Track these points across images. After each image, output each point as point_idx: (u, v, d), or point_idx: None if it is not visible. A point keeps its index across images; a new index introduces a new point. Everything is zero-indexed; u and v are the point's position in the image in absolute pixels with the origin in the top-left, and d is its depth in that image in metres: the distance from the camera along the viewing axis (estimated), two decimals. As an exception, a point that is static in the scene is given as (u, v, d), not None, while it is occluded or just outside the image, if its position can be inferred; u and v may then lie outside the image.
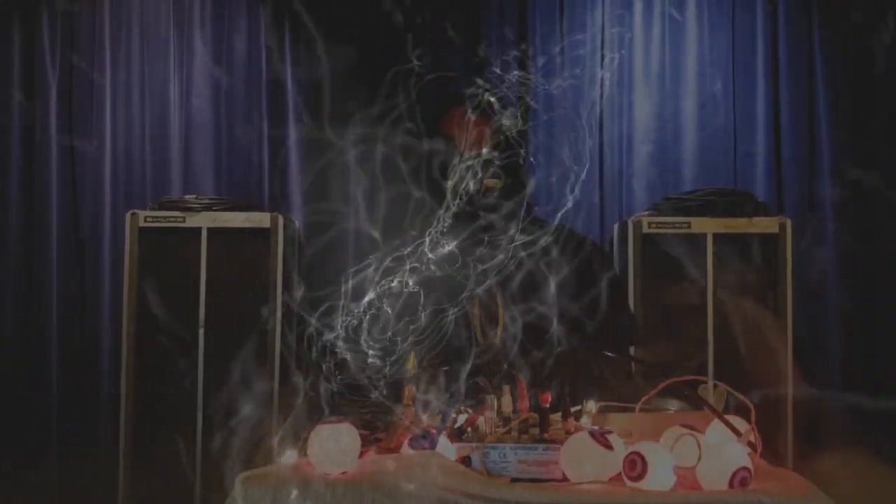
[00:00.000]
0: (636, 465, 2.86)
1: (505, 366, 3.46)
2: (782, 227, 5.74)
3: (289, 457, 3.20)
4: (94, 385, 6.38)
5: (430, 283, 3.47)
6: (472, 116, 3.80)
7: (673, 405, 3.63)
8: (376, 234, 3.58)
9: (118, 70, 6.64)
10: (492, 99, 3.63)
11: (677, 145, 6.50)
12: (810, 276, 6.18)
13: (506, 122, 3.68)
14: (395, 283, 3.39)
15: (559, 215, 3.59)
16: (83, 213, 6.55)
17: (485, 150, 3.79)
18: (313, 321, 3.27)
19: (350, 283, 3.34)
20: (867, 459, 4.90)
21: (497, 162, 3.80)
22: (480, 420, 3.25)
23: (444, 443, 3.10)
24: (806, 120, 6.45)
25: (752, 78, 6.50)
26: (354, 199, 5.91)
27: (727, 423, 3.24)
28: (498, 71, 3.54)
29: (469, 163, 3.72)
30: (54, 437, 6.38)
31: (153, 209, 6.01)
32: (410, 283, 3.40)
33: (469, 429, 3.25)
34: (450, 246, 3.46)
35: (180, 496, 5.74)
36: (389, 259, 3.41)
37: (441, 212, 3.48)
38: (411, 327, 3.42)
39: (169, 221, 5.91)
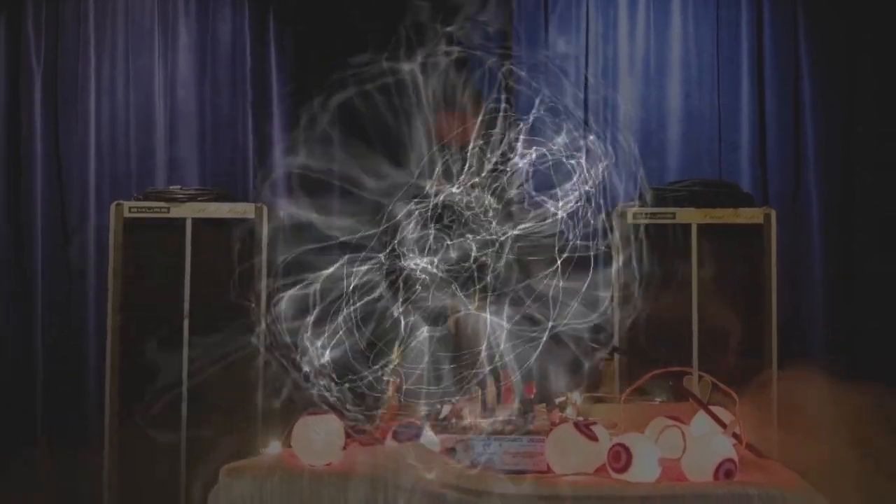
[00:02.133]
0: (621, 457, 2.86)
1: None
2: (767, 217, 5.75)
3: (273, 448, 3.20)
4: (79, 376, 6.36)
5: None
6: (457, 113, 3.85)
7: (658, 396, 3.65)
8: None
9: (103, 60, 6.62)
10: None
11: (662, 136, 6.49)
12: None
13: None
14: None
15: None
16: (68, 203, 6.53)
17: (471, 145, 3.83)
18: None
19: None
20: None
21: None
22: (465, 411, 3.26)
23: (428, 434, 3.10)
24: (791, 110, 6.46)
25: (736, 68, 6.51)
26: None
27: (712, 415, 3.25)
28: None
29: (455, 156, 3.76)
30: (40, 429, 6.36)
31: (138, 200, 5.99)
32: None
33: (454, 420, 3.25)
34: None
35: (166, 487, 5.73)
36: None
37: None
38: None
39: (154, 212, 5.89)
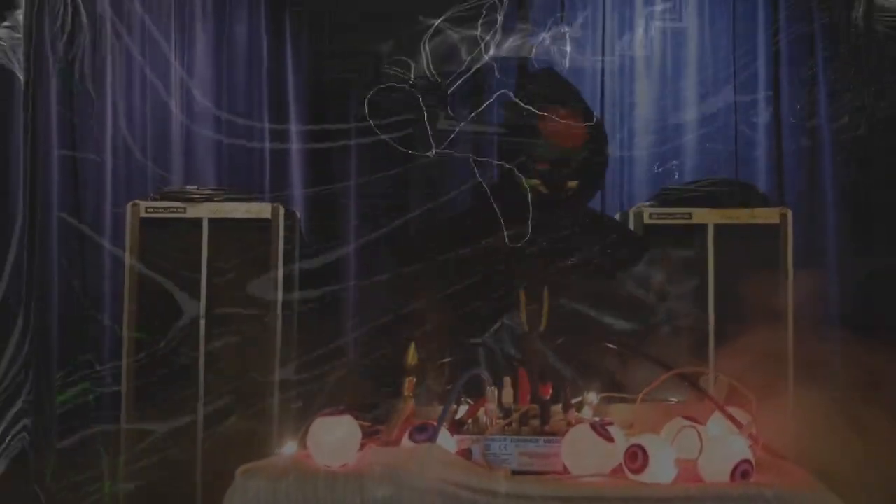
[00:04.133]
0: (637, 458, 2.86)
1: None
2: (783, 217, 5.73)
3: (288, 448, 3.20)
4: (94, 378, 6.37)
5: None
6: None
7: (675, 397, 3.64)
8: None
9: (118, 60, 6.63)
10: None
11: (678, 136, 6.49)
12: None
13: None
14: None
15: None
16: (84, 203, 6.54)
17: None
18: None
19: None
20: None
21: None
22: (481, 412, 3.26)
23: (444, 435, 3.10)
24: (806, 110, 6.45)
25: (753, 66, 6.50)
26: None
27: (729, 416, 3.24)
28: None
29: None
30: (54, 434, 6.36)
31: (154, 200, 5.99)
32: None
33: (470, 421, 3.25)
34: None
35: (181, 488, 5.74)
36: None
37: None
38: None
39: (170, 212, 5.90)
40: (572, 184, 4.40)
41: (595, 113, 4.45)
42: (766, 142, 6.43)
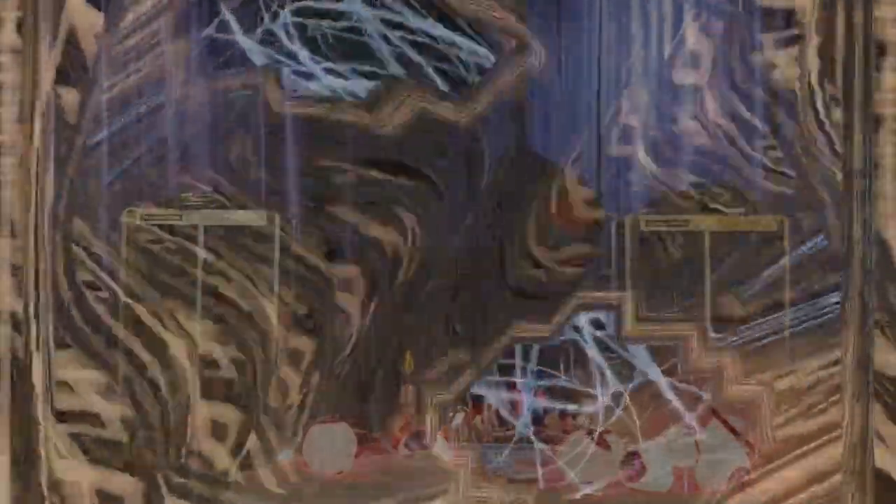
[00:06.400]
0: (634, 465, 2.85)
1: None
2: (780, 225, 5.73)
3: (284, 455, 3.19)
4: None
5: None
6: None
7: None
8: None
9: (115, 67, 6.62)
10: None
11: (676, 144, 6.48)
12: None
13: None
14: None
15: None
16: (79, 210, 6.52)
17: None
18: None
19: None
20: None
21: None
22: (478, 419, 3.24)
23: (440, 443, 3.09)
24: (804, 117, 6.44)
25: (749, 76, 6.49)
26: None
27: (725, 423, 3.23)
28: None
29: None
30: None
31: (150, 207, 5.97)
32: None
33: (466, 428, 3.24)
34: None
35: None
36: None
37: None
38: None
39: (166, 219, 5.89)
40: None
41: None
42: (764, 147, 6.42)
